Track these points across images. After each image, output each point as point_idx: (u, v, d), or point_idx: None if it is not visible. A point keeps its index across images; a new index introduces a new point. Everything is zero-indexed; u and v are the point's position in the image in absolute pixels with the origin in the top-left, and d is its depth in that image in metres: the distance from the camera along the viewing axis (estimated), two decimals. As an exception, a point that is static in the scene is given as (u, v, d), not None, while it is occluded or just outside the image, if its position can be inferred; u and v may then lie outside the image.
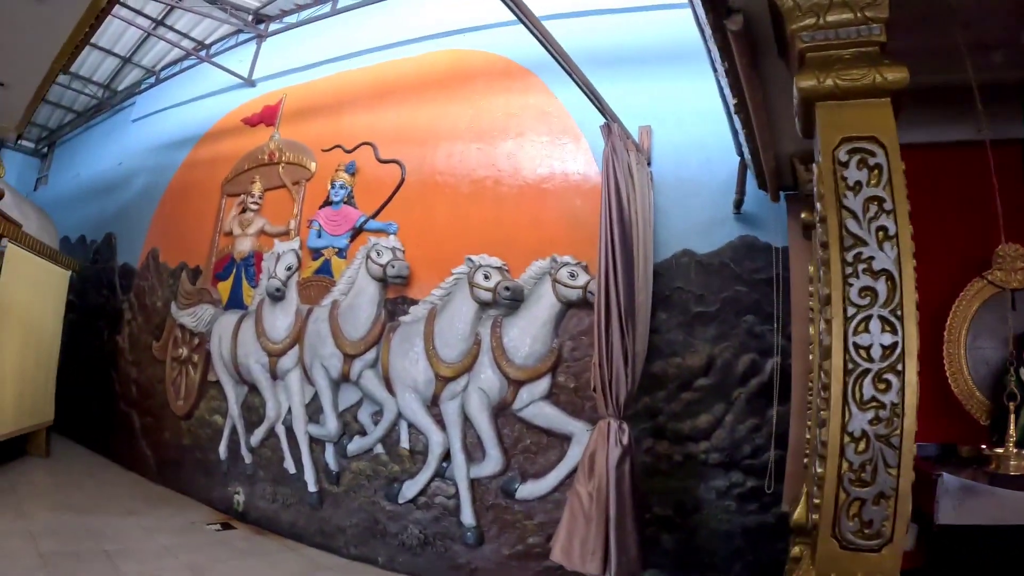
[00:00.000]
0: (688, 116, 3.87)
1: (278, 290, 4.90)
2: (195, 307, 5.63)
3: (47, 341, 6.21)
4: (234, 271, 5.47)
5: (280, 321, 4.95)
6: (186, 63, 7.22)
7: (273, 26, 6.45)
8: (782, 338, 3.29)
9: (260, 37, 6.49)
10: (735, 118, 2.65)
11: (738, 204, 3.53)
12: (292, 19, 6.33)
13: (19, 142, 8.50)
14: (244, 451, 5.06)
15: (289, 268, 4.99)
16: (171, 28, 6.82)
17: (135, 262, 6.56)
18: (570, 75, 3.12)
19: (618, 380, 3.06)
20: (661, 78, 3.99)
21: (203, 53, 7.01)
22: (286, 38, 6.31)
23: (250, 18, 6.46)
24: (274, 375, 4.96)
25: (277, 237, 5.25)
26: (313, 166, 5.34)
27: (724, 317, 3.47)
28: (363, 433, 4.40)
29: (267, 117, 5.88)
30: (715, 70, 2.36)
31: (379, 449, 4.28)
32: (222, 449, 5.22)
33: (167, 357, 5.83)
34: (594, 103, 3.33)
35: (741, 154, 3.30)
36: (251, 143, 5.88)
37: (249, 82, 6.27)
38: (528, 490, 3.70)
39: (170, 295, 5.96)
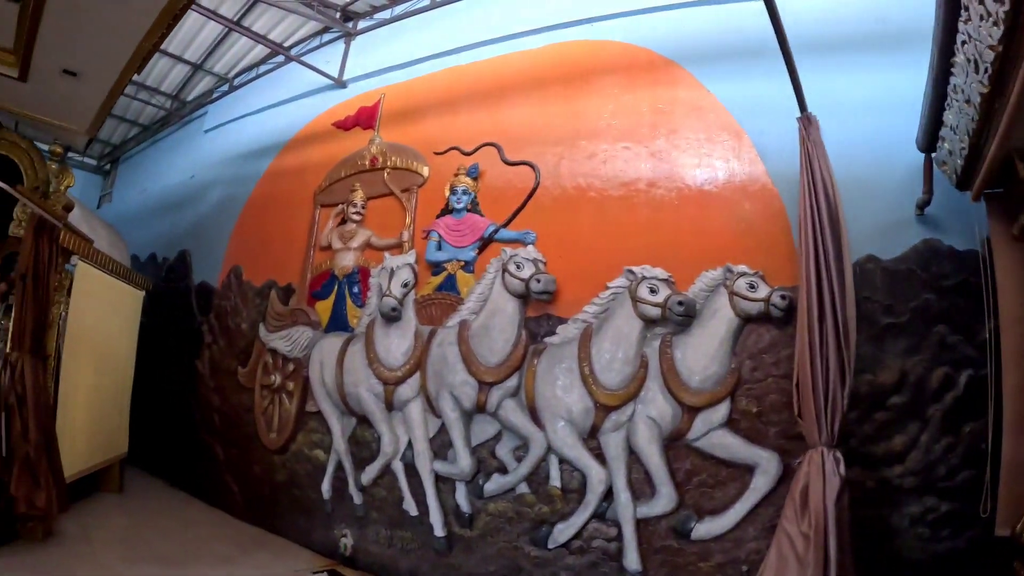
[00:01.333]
0: (855, 109, 3.44)
1: (394, 309, 4.45)
2: (289, 330, 5.22)
3: (121, 367, 5.86)
4: (335, 289, 5.07)
5: (396, 345, 4.50)
6: (263, 67, 6.96)
7: (363, 23, 6.15)
8: (973, 348, 3.01)
9: (348, 35, 6.19)
10: (955, 109, 2.41)
11: (923, 205, 3.18)
12: (385, 15, 6.02)
13: (84, 156, 8.34)
14: (352, 490, 4.62)
15: (405, 285, 4.55)
16: (247, 31, 6.58)
17: (214, 281, 6.22)
18: (786, 59, 2.80)
19: (834, 403, 2.76)
20: (823, 69, 3.58)
21: (282, 58, 6.76)
22: (378, 35, 5.99)
23: (337, 15, 6.18)
24: (390, 406, 4.51)
25: (387, 250, 4.84)
26: (426, 171, 4.95)
27: (914, 328, 3.14)
28: (502, 470, 3.99)
29: (364, 119, 5.53)
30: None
31: (523, 488, 3.86)
32: (325, 487, 4.78)
33: (256, 384, 5.42)
34: (797, 92, 3.02)
35: (928, 150, 3.03)
36: (345, 148, 5.53)
37: (340, 83, 5.95)
38: (705, 529, 3.33)
39: (257, 316, 5.58)
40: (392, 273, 4.57)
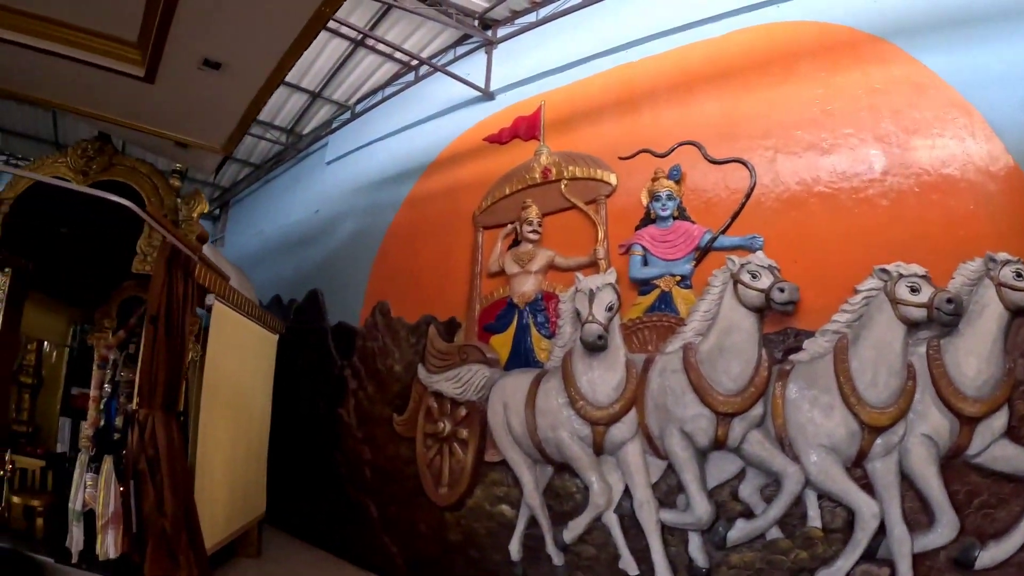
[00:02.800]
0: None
1: (600, 337, 4.06)
2: (457, 369, 4.93)
3: (257, 418, 5.68)
4: (515, 320, 4.76)
5: (604, 378, 4.10)
6: (389, 89, 7.03)
7: (502, 30, 6.12)
8: None
9: (489, 44, 6.14)
10: None
11: None
12: (528, 18, 5.96)
13: (213, 180, 8.23)
14: (551, 549, 4.20)
15: (610, 308, 4.18)
16: (372, 50, 6.68)
17: (354, 320, 6.06)
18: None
19: None
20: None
21: (412, 77, 6.82)
22: (523, 41, 5.87)
23: (475, 23, 6.19)
24: (599, 449, 4.10)
25: (577, 271, 4.52)
26: (613, 179, 4.68)
27: None
28: (747, 514, 3.62)
29: (524, 130, 5.35)
30: None
31: (775, 533, 3.51)
32: (514, 548, 4.39)
33: (418, 434, 5.12)
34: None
35: None
36: (503, 163, 5.35)
37: (487, 95, 5.86)
38: (990, 556, 3.06)
39: (414, 356, 5.33)
40: (592, 295, 4.21)
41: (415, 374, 5.26)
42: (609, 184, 4.70)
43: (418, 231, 5.80)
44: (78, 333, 7.93)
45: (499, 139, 5.52)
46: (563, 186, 4.90)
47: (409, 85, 6.80)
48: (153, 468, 3.75)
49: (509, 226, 5.08)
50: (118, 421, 4.92)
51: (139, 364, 4.39)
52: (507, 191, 5.22)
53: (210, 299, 4.63)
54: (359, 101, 7.40)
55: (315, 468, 5.99)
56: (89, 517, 3.91)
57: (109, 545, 3.66)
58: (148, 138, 4.60)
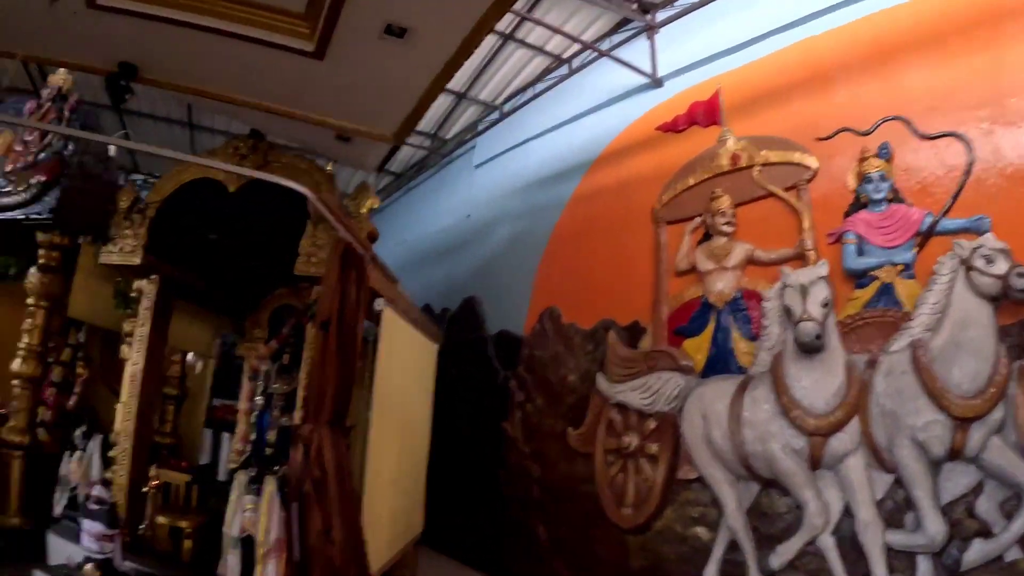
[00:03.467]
0: None
1: (817, 337, 4.25)
2: (645, 378, 5.24)
3: (419, 434, 6.31)
4: (712, 322, 5.04)
5: (821, 383, 4.25)
6: (540, 86, 7.68)
7: (661, 13, 6.52)
8: None
9: (650, 28, 6.57)
10: None
11: None
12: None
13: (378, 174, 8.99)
14: (754, 575, 4.35)
15: (825, 304, 4.34)
16: (522, 43, 7.34)
17: (518, 328, 6.57)
18: None
19: None
20: None
21: (565, 71, 7.44)
22: (687, 23, 6.16)
23: (634, 6, 6.68)
24: (816, 463, 4.24)
25: (781, 264, 4.78)
26: (813, 161, 4.89)
27: None
28: (985, 533, 3.62)
29: (702, 116, 5.66)
30: None
31: (1015, 553, 3.51)
32: (710, 573, 4.60)
33: (597, 449, 5.48)
34: None
35: None
36: (679, 153, 5.63)
37: (655, 82, 6.28)
38: None
39: (591, 365, 5.70)
40: (805, 290, 4.41)
41: (593, 384, 5.58)
42: (809, 168, 4.88)
43: (589, 231, 6.21)
44: (224, 343, 9.20)
45: (674, 127, 5.84)
46: (756, 172, 5.15)
47: (563, 79, 7.34)
48: (320, 490, 3.73)
49: (697, 219, 5.37)
50: (270, 436, 5.47)
51: (305, 375, 4.87)
52: (691, 182, 5.54)
53: (379, 304, 4.72)
54: (507, 100, 8.09)
55: (475, 485, 6.41)
56: (246, 543, 3.85)
57: (271, 572, 3.61)
58: (306, 134, 5.22)
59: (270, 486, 3.82)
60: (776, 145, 5.07)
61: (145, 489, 4.74)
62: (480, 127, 8.23)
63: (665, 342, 5.24)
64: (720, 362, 4.91)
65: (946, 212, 4.15)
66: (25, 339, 5.46)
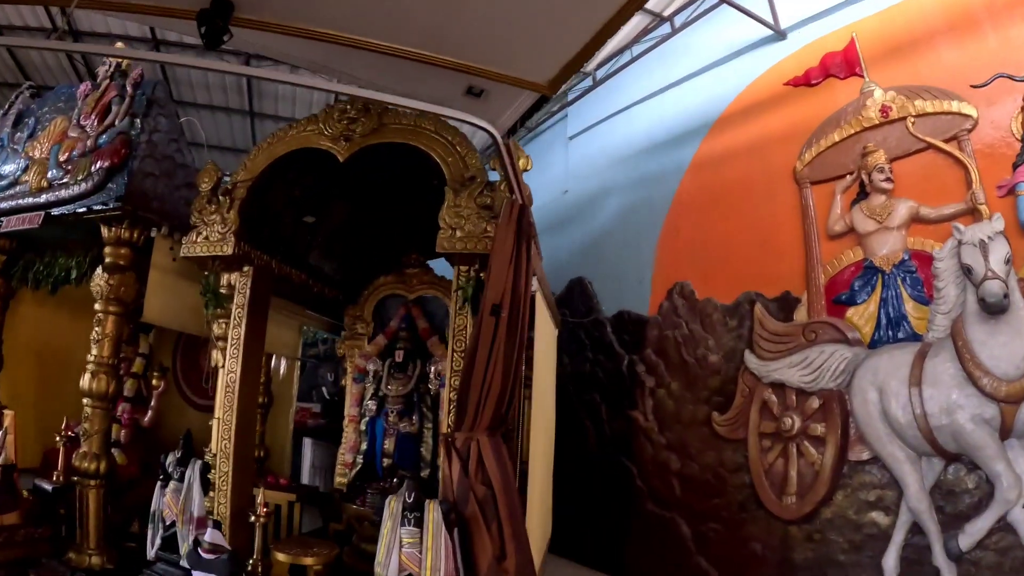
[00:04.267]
0: None
1: (1005, 296, 4.54)
2: (803, 352, 5.49)
3: (551, 431, 6.49)
4: (878, 287, 5.30)
5: (1009, 346, 4.44)
6: (637, 48, 7.91)
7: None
8: None
9: (772, -25, 6.80)
10: None
11: None
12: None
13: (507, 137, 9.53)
14: (939, 560, 4.59)
15: (1008, 260, 4.59)
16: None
17: (641, 307, 6.83)
18: None
19: None
20: None
21: (666, 28, 7.61)
22: None
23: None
24: (1007, 432, 4.50)
25: (949, 221, 5.01)
26: (971, 111, 5.08)
27: None
28: None
29: (838, 67, 5.86)
30: None
31: None
32: (889, 562, 4.83)
33: (749, 434, 5.79)
34: None
35: None
36: (815, 110, 5.85)
37: (779, 33, 6.49)
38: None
39: (735, 343, 5.97)
40: (985, 247, 4.69)
41: (740, 363, 5.91)
42: (968, 117, 5.04)
43: (718, 198, 6.44)
44: (316, 342, 9.58)
45: (807, 81, 6.10)
46: (909, 124, 5.37)
47: (664, 39, 7.59)
48: (486, 510, 3.63)
49: (848, 177, 5.61)
50: (387, 444, 5.76)
51: (438, 373, 5.13)
52: (836, 138, 5.77)
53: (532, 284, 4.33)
54: (600, 65, 8.37)
55: (603, 482, 6.74)
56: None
57: None
58: (426, 91, 5.15)
59: (433, 514, 3.61)
60: (929, 95, 5.29)
61: (253, 519, 4.40)
62: (571, 96, 8.49)
63: (824, 312, 5.50)
64: (890, 330, 5.15)
65: None
66: (94, 351, 5.42)
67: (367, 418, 6.01)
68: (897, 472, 4.95)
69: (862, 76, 5.73)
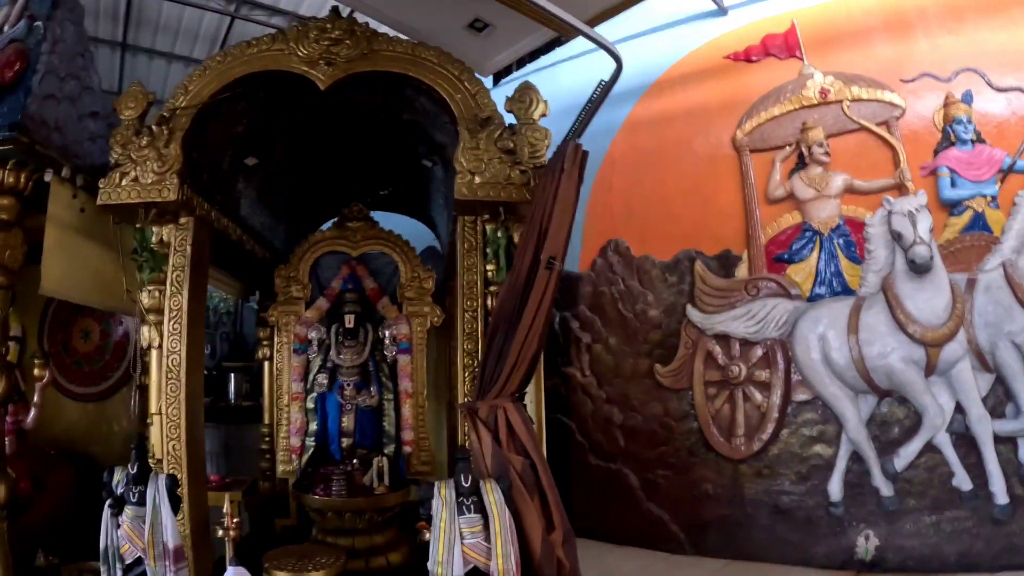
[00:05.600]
0: None
1: (931, 259, 6.61)
2: (747, 306, 7.23)
3: None
4: (816, 247, 7.15)
5: (932, 299, 6.57)
6: None
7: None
8: None
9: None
10: None
11: None
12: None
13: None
14: (878, 481, 6.51)
15: (931, 229, 6.73)
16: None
17: (571, 264, 8.09)
18: None
19: None
20: None
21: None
22: None
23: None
24: (930, 371, 6.58)
25: (880, 193, 7.00)
26: (899, 101, 7.17)
27: None
28: None
29: (778, 48, 7.74)
30: None
31: None
32: (834, 487, 6.66)
33: (695, 384, 7.35)
34: None
35: None
36: (752, 84, 7.68)
37: (720, 8, 8.16)
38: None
39: (676, 298, 7.59)
40: (912, 217, 6.74)
41: (681, 318, 7.47)
42: (898, 106, 7.17)
43: (654, 159, 7.99)
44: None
45: (747, 57, 7.87)
46: (845, 107, 7.34)
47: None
48: (528, 483, 3.94)
49: (787, 148, 7.44)
50: (345, 421, 5.80)
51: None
52: (776, 112, 7.58)
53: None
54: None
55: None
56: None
57: None
58: (419, 19, 5.59)
59: (492, 494, 3.80)
60: (863, 83, 7.28)
61: (222, 533, 4.19)
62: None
63: (765, 269, 7.26)
64: (827, 286, 7.09)
65: (1020, 154, 6.62)
66: None
67: (314, 394, 5.96)
68: (837, 409, 6.89)
69: (801, 59, 7.62)
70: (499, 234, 4.74)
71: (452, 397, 6.54)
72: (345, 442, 5.82)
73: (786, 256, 7.30)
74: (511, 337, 4.14)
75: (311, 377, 5.99)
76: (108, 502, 4.10)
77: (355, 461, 5.70)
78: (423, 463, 5.98)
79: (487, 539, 3.70)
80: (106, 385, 7.36)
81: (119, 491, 4.13)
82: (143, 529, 3.97)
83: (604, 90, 4.66)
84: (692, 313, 7.53)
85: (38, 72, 4.76)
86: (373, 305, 6.20)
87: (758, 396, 7.18)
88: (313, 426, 5.91)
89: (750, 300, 7.30)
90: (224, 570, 4.01)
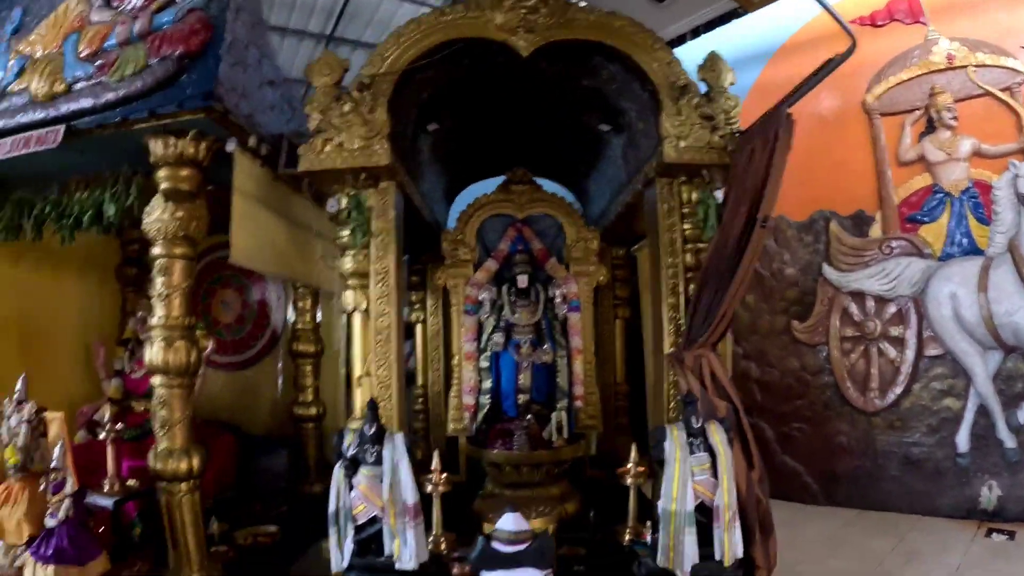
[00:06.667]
0: None
1: None
2: (881, 264, 8.81)
3: None
4: (947, 208, 8.73)
5: None
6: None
7: None
8: None
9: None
10: None
11: None
12: None
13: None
14: (1002, 434, 7.71)
15: None
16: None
17: (707, 227, 9.68)
18: None
19: None
20: None
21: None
22: None
23: None
24: (1055, 327, 8.16)
25: (1005, 157, 8.54)
26: (1022, 67, 8.69)
27: None
28: None
29: (905, 13, 9.23)
30: None
31: None
32: (961, 440, 7.90)
33: (830, 339, 8.97)
34: None
35: None
36: (879, 49, 9.17)
37: (847, -25, 9.67)
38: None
39: (811, 257, 9.16)
40: (1042, 178, 8.30)
41: (817, 275, 8.85)
42: (1020, 72, 8.64)
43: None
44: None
45: (872, 21, 9.37)
46: (971, 72, 8.86)
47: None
48: (732, 428, 4.69)
49: (917, 112, 8.99)
50: (522, 378, 6.78)
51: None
52: (904, 77, 9.12)
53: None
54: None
55: None
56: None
57: (736, 544, 4.39)
58: None
59: (719, 434, 4.58)
60: (987, 48, 8.78)
61: (431, 488, 5.18)
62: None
63: (898, 229, 8.83)
64: (956, 245, 8.37)
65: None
66: (160, 311, 5.42)
67: (488, 353, 6.97)
68: (966, 364, 8.14)
69: (925, 24, 9.05)
70: (706, 196, 5.59)
71: (605, 353, 8.10)
72: (521, 398, 6.81)
73: (918, 217, 8.86)
74: (723, 290, 4.95)
75: (484, 337, 7.02)
76: (341, 464, 4.63)
77: (529, 416, 6.68)
78: (590, 417, 7.26)
79: (714, 475, 4.45)
80: (249, 355, 8.77)
81: (351, 452, 4.67)
82: (380, 488, 4.49)
83: (830, 67, 5.56)
84: (828, 271, 8.93)
85: (225, 40, 5.34)
86: (540, 266, 7.30)
87: (891, 351, 8.51)
88: (487, 384, 6.92)
89: (884, 259, 8.68)
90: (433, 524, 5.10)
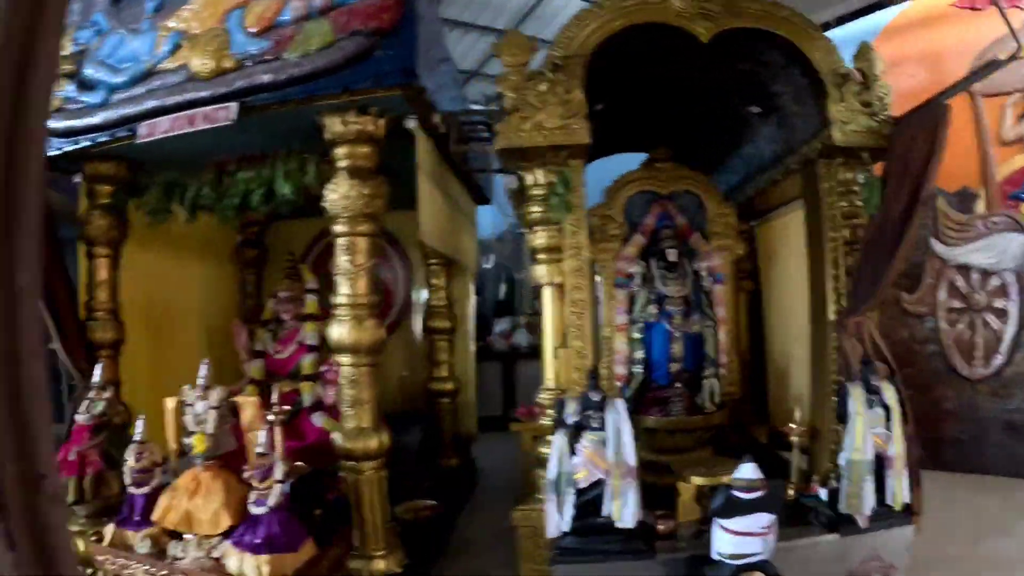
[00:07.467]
0: None
1: None
2: (986, 239, 10.21)
3: None
4: (1044, 187, 10.32)
5: None
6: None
7: None
8: None
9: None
10: None
11: None
12: None
13: None
14: None
15: None
16: None
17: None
18: None
19: None
20: None
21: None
22: None
23: None
24: None
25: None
26: None
27: None
28: None
29: None
30: None
31: None
32: None
33: (937, 310, 10.49)
34: None
35: None
36: (980, 31, 10.70)
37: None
38: None
39: (921, 231, 10.57)
40: None
41: (925, 249, 10.04)
42: None
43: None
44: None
45: (971, 5, 10.90)
46: (1068, 56, 10.43)
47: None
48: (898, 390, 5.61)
49: (1016, 94, 10.52)
50: (675, 348, 7.39)
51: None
52: (1002, 58, 10.63)
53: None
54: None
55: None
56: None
57: (906, 490, 5.39)
58: None
59: (890, 392, 5.58)
60: (1089, 35, 10.26)
61: None
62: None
63: (1001, 205, 10.32)
64: None
65: None
66: (346, 289, 5.89)
67: (640, 324, 7.53)
68: None
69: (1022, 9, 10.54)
70: (872, 178, 6.43)
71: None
72: (673, 367, 7.42)
73: (1020, 195, 10.44)
74: (887, 262, 5.82)
75: (636, 308, 7.57)
76: (564, 431, 5.15)
77: (678, 384, 7.38)
78: (730, 384, 7.88)
79: (888, 428, 5.43)
80: (376, 332, 9.89)
81: (572, 419, 5.22)
82: (604, 452, 5.02)
83: (992, 67, 6.85)
84: (935, 245, 10.15)
85: (419, 16, 5.63)
86: (685, 240, 7.87)
87: (996, 322, 9.88)
88: (639, 354, 7.48)
89: (988, 234, 9.98)
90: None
